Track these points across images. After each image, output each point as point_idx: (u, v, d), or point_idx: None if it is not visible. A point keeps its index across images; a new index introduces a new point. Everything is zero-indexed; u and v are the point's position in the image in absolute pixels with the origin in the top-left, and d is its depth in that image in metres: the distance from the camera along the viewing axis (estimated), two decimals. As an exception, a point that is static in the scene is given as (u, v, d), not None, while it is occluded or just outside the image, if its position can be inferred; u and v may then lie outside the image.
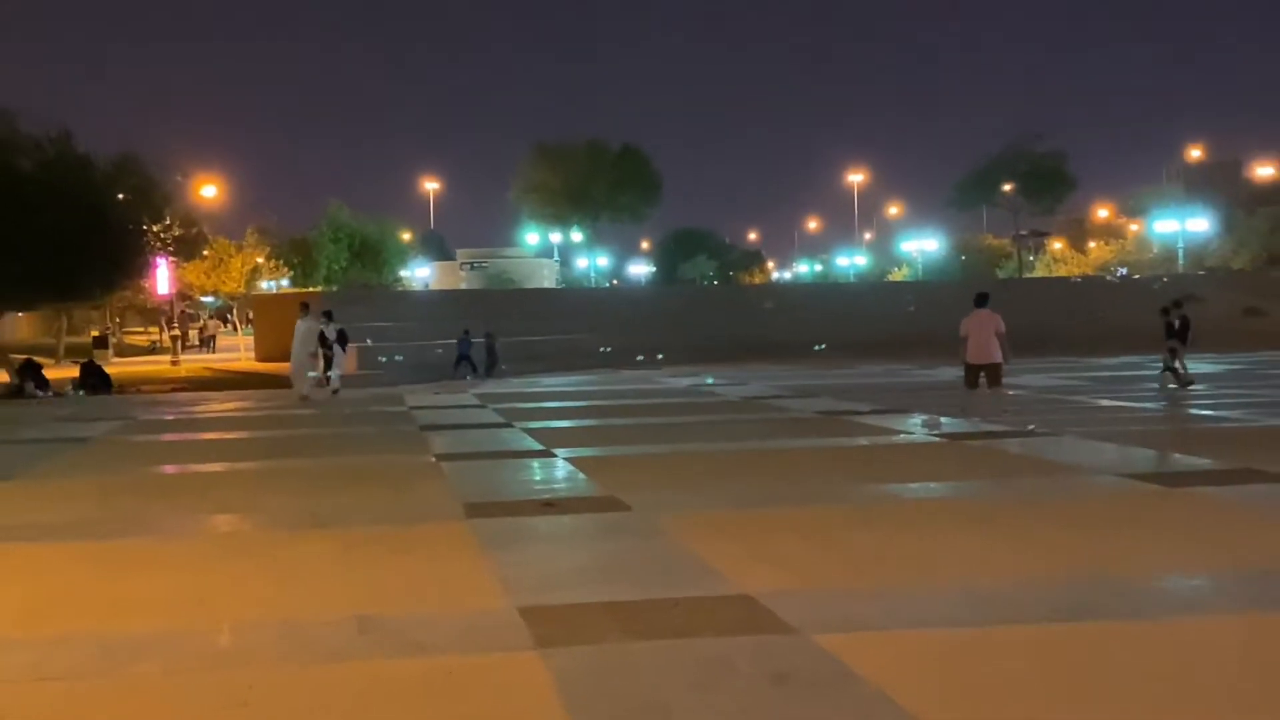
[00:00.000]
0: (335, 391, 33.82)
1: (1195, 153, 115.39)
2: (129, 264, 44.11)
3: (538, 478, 16.88)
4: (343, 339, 35.36)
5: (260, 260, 70.98)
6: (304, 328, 33.54)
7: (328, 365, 34.42)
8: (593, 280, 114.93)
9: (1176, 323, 29.57)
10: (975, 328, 22.72)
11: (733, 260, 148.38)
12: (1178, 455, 16.80)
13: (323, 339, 33.90)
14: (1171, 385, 28.41)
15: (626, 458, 18.56)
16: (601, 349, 44.16)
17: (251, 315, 68.00)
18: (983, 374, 22.80)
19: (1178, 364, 29.07)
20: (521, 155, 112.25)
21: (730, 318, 57.30)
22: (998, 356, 22.47)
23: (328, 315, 35.51)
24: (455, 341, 44.34)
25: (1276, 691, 6.96)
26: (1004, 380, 23.27)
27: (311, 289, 70.67)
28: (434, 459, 18.75)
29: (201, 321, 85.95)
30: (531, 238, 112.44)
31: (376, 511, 13.83)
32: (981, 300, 23.53)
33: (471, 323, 46.95)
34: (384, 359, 44.90)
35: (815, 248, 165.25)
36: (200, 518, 14.16)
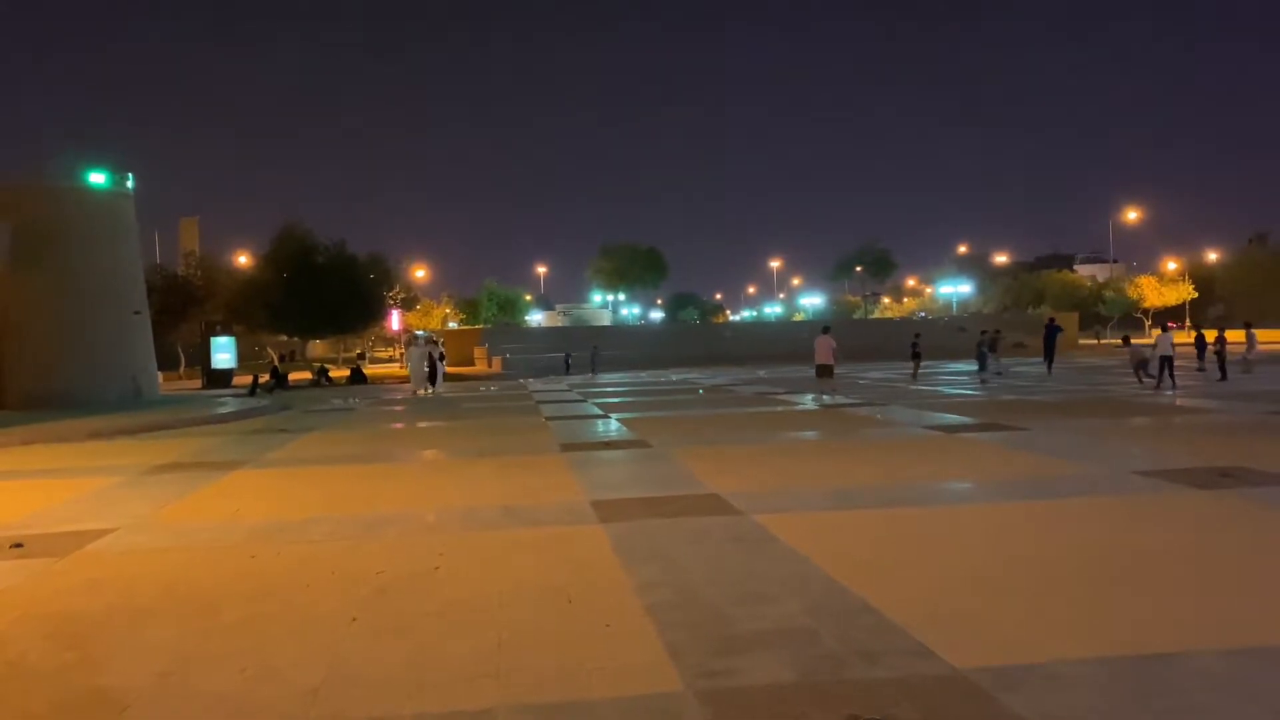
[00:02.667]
0: (438, 391, 29.43)
1: (962, 248, 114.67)
2: (375, 312, 44.60)
3: (599, 429, 16.86)
4: (442, 357, 31.73)
5: (448, 310, 71.44)
6: (418, 351, 30.03)
7: (433, 374, 29.94)
8: (629, 320, 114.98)
9: (988, 344, 28.94)
10: (820, 345, 22.55)
11: (707, 309, 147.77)
12: (953, 416, 16.72)
13: (430, 359, 30.01)
14: (983, 378, 27.56)
15: (649, 418, 18.53)
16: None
17: (443, 341, 68.37)
18: (822, 371, 22.63)
19: (988, 366, 28.38)
20: (592, 248, 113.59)
21: (706, 341, 57.13)
22: (830, 361, 22.28)
23: (432, 342, 32.29)
24: (563, 355, 44.00)
25: (1004, 544, 6.97)
26: (835, 375, 22.97)
27: (477, 326, 70.94)
28: (545, 419, 18.80)
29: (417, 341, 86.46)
30: (596, 297, 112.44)
31: (514, 448, 13.88)
32: (825, 329, 23.39)
33: (583, 345, 47.47)
34: (509, 356, 44.91)
35: (753, 302, 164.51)
36: (416, 451, 14.28)
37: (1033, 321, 54.88)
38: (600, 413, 19.94)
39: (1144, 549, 6.70)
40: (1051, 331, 30.50)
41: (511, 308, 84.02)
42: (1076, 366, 33.71)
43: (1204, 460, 10.51)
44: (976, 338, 28.68)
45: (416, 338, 32.72)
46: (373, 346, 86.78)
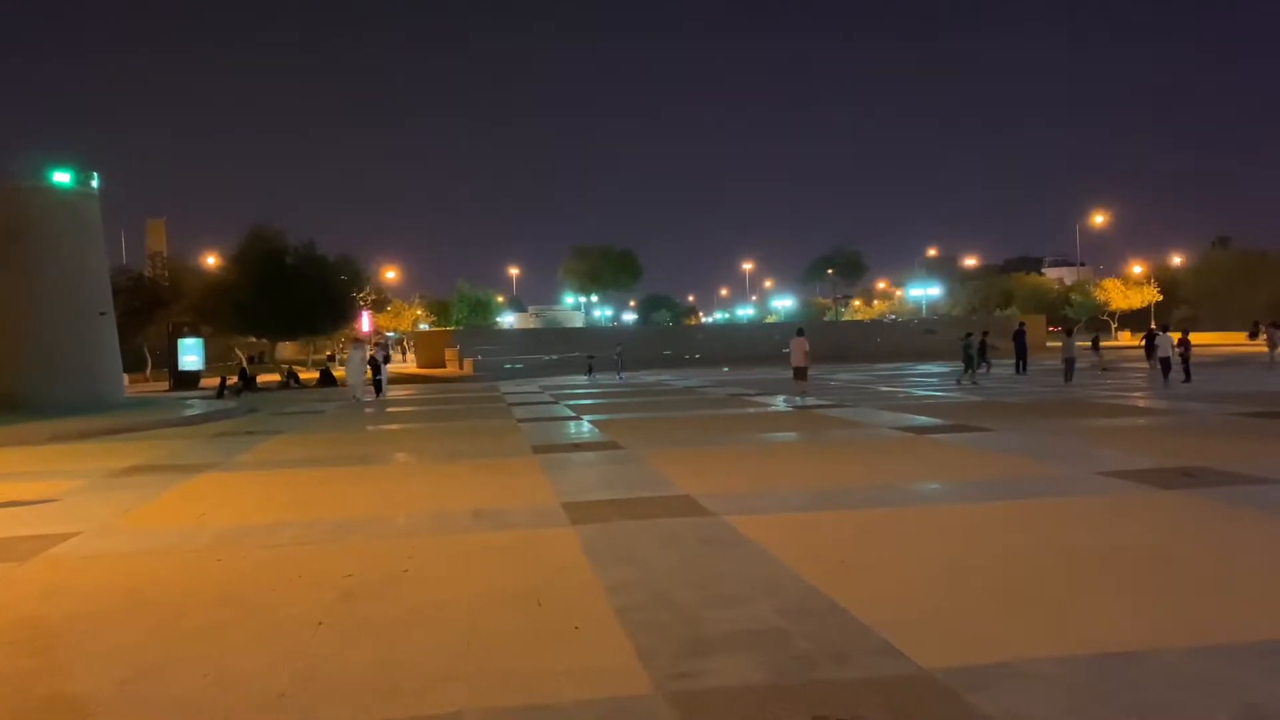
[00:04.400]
0: (384, 396, 28.45)
1: (932, 251, 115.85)
2: (345, 314, 44.25)
3: (572, 431, 16.85)
4: (387, 359, 30.55)
5: (419, 312, 71.06)
6: (357, 354, 28.67)
7: (376, 380, 28.67)
8: (601, 322, 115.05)
9: (976, 345, 28.67)
10: (794, 347, 22.65)
11: (680, 311, 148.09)
12: (922, 418, 16.85)
13: (374, 362, 28.70)
14: (967, 379, 27.24)
15: (621, 420, 18.52)
16: (614, 352, 41.85)
17: (412, 343, 67.99)
18: (798, 373, 22.72)
19: (979, 367, 27.89)
20: (564, 250, 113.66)
21: (679, 343, 57.13)
22: (803, 363, 22.38)
23: (380, 346, 31.18)
24: (586, 356, 42.15)
25: (973, 544, 7.03)
26: (809, 377, 23.07)
27: (448, 328, 70.57)
28: (516, 421, 18.73)
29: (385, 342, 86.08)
30: (569, 299, 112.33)
31: (486, 450, 13.83)
32: (800, 331, 23.51)
33: (567, 347, 47.27)
34: (480, 358, 44.60)
35: (725, 304, 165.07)
36: (386, 454, 14.18)
37: (1000, 323, 55.49)
38: (572, 415, 19.90)
39: (1110, 548, 6.78)
40: (1021, 334, 31.31)
41: (484, 309, 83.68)
42: (1045, 368, 34.09)
43: (1168, 460, 10.66)
44: (960, 339, 28.41)
45: (359, 341, 31.10)
46: (343, 348, 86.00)
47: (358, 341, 31.18)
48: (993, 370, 27.22)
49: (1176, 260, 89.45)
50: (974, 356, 27.03)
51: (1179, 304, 77.64)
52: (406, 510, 9.16)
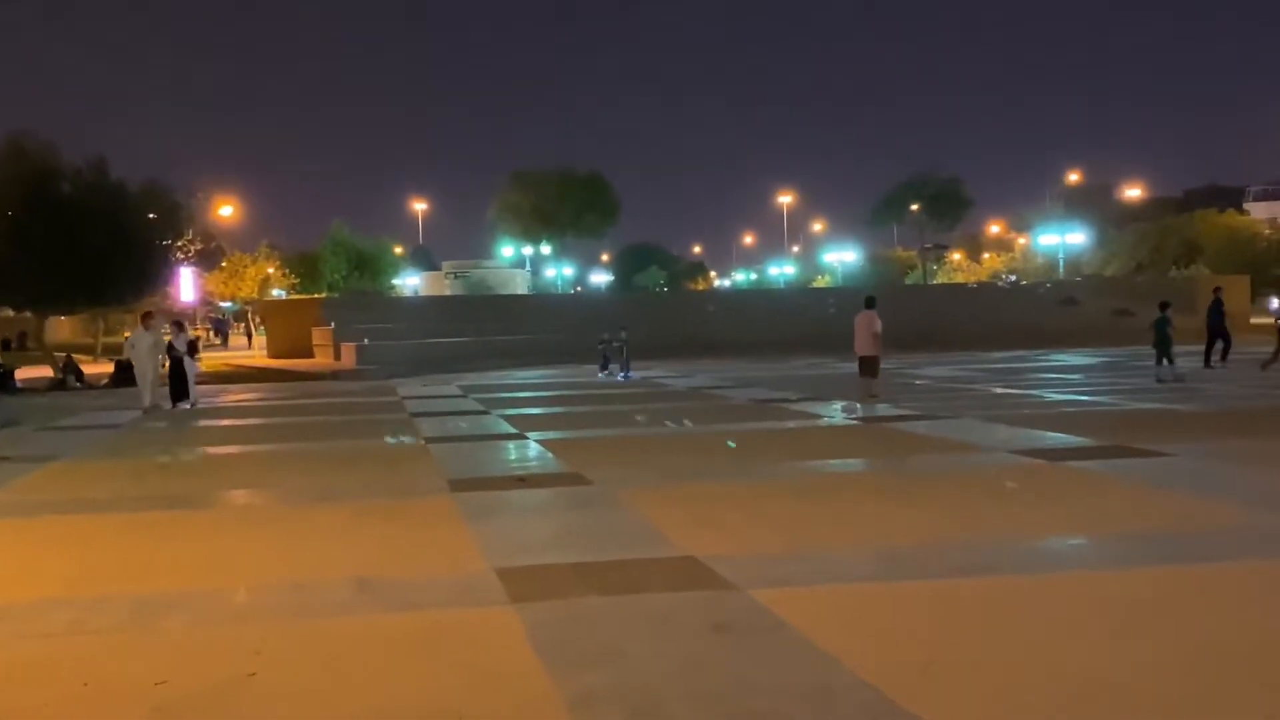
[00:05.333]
0: (193, 404, 28.01)
1: (1073, 177, 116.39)
2: (155, 274, 44.01)
3: (512, 457, 16.86)
4: (193, 349, 30.33)
5: (271, 271, 70.76)
6: (150, 339, 27.87)
7: (177, 379, 28.01)
8: (559, 287, 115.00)
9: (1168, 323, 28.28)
10: (860, 326, 22.78)
11: (680, 270, 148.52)
12: (1059, 435, 16.93)
13: (173, 354, 28.19)
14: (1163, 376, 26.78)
15: (588, 440, 18.55)
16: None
17: (260, 318, 67.58)
18: (865, 366, 22.82)
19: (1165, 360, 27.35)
20: (499, 178, 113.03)
21: (678, 319, 57.12)
22: (874, 351, 22.48)
23: (177, 325, 31.24)
24: (599, 342, 40.98)
25: (1136, 633, 7.06)
26: (881, 372, 23.21)
27: (316, 295, 70.32)
28: (423, 441, 18.72)
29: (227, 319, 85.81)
30: (506, 250, 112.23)
31: (373, 487, 13.80)
32: (869, 302, 23.61)
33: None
34: (367, 343, 44.43)
35: (751, 259, 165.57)
36: (221, 493, 14.15)
37: (1178, 289, 55.80)
38: (512, 431, 19.92)
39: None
40: (1218, 307, 31.50)
41: (372, 266, 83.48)
42: (1252, 357, 34.31)
43: None
44: (1154, 314, 27.59)
45: (149, 319, 29.19)
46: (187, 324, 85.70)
47: (147, 319, 29.52)
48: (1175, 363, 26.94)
49: None
50: (1170, 338, 26.66)
51: None
52: (251, 580, 9.11)
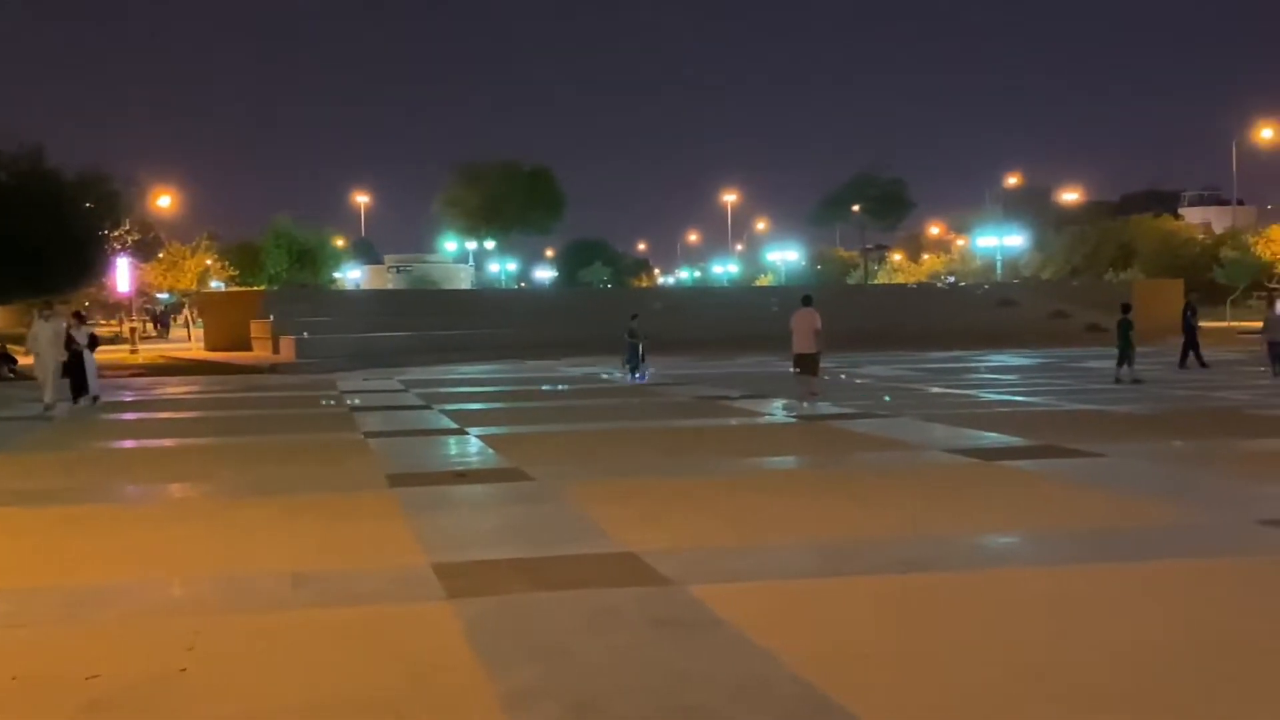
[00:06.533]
0: (96, 399, 26.80)
1: (1012, 180, 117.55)
2: (92, 264, 43.51)
3: (453, 452, 16.82)
4: (94, 343, 28.76)
5: (210, 262, 70.01)
6: (50, 331, 26.21)
7: (78, 373, 26.79)
8: (502, 282, 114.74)
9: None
10: (798, 324, 22.79)
11: (624, 267, 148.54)
12: (995, 435, 17.10)
13: (72, 347, 26.67)
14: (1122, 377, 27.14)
15: (530, 435, 18.54)
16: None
17: (198, 311, 66.88)
18: (803, 363, 22.86)
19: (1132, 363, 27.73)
20: (444, 171, 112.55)
21: (623, 316, 57.25)
22: (813, 348, 22.54)
23: (78, 316, 30.09)
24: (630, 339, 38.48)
25: (1068, 628, 7.14)
26: (821, 371, 23.25)
27: (256, 287, 69.70)
28: (362, 436, 18.62)
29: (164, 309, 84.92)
30: (450, 245, 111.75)
31: (311, 481, 13.72)
32: (806, 300, 23.66)
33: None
34: (308, 336, 44.05)
35: (695, 257, 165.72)
36: (156, 486, 14.02)
37: (1112, 292, 56.48)
38: (453, 426, 19.85)
39: (1276, 638, 6.96)
40: (1188, 317, 32.51)
41: (314, 259, 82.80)
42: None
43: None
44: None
45: (47, 310, 27.84)
46: (86, 316, 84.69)
47: (46, 311, 28.20)
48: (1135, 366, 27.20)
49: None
50: (1132, 341, 27.01)
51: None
52: (185, 574, 9.05)
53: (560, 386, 29.71)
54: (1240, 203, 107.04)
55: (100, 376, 27.83)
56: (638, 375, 31.13)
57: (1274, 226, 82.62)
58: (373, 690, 6.26)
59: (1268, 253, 78.34)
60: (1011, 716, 5.79)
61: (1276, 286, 77.50)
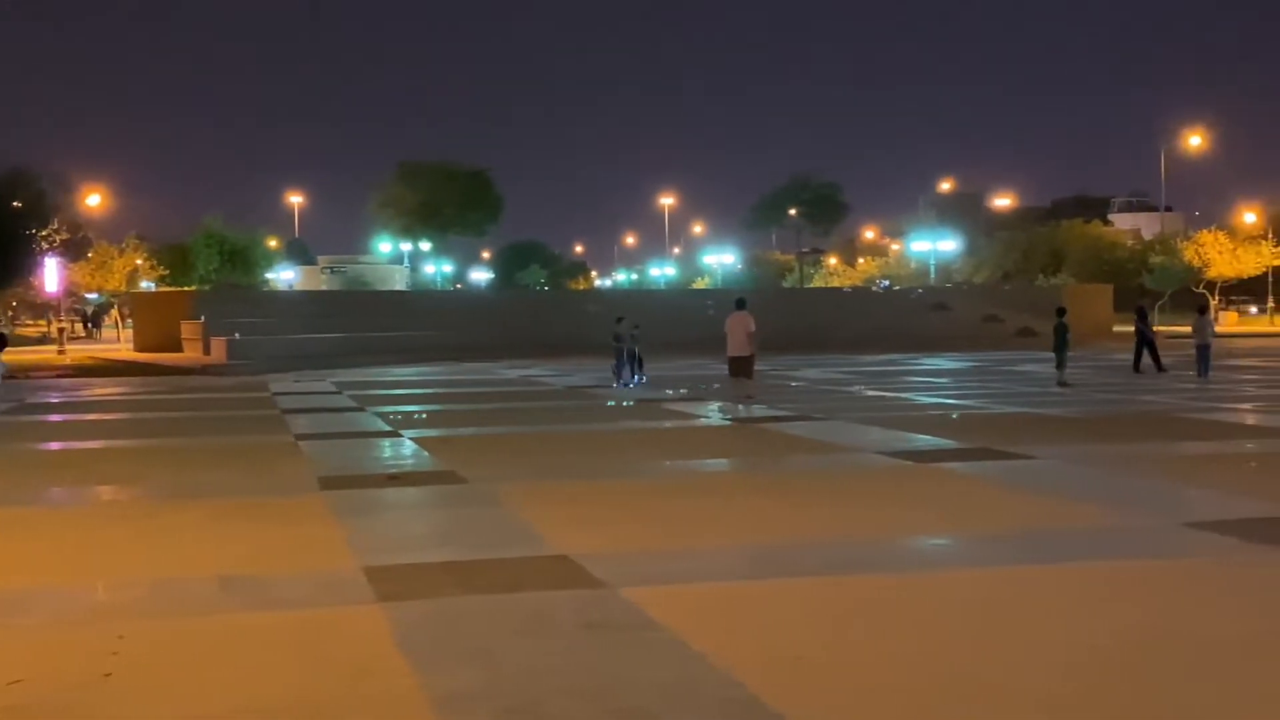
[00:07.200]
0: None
1: (945, 185, 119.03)
2: (19, 264, 42.84)
3: (386, 455, 16.72)
4: (2, 342, 28.06)
5: (139, 262, 69.16)
6: None
7: None
8: (438, 284, 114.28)
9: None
10: (732, 327, 22.88)
11: (561, 269, 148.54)
12: (928, 437, 17.25)
13: None
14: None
15: (465, 438, 18.48)
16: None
17: (128, 311, 66.08)
18: (737, 366, 22.95)
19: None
20: (381, 174, 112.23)
21: (559, 319, 57.17)
22: (747, 351, 22.63)
23: None
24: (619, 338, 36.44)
25: (997, 630, 7.22)
26: (756, 374, 23.34)
27: (187, 288, 68.91)
28: (293, 439, 18.47)
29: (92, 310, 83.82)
30: (385, 246, 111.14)
31: (241, 484, 13.62)
32: (740, 303, 23.75)
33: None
34: (239, 337, 43.62)
35: (632, 259, 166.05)
36: (83, 489, 13.83)
37: (1044, 296, 57.25)
38: (386, 428, 19.75)
39: (1208, 639, 7.07)
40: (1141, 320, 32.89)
41: (245, 260, 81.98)
42: (1109, 364, 35.32)
43: (1285, 504, 11.19)
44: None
45: None
46: (13, 319, 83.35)
47: None
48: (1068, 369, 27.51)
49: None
50: (1068, 343, 27.27)
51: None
52: (111, 578, 8.97)
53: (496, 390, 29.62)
54: (1169, 209, 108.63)
55: (20, 377, 27.29)
56: (636, 379, 29.64)
57: (1202, 232, 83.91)
58: (302, 695, 6.21)
59: (1196, 258, 79.55)
60: (941, 718, 5.84)
61: (1203, 292, 78.93)
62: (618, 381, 29.41)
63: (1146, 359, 31.34)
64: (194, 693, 6.29)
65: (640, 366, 30.02)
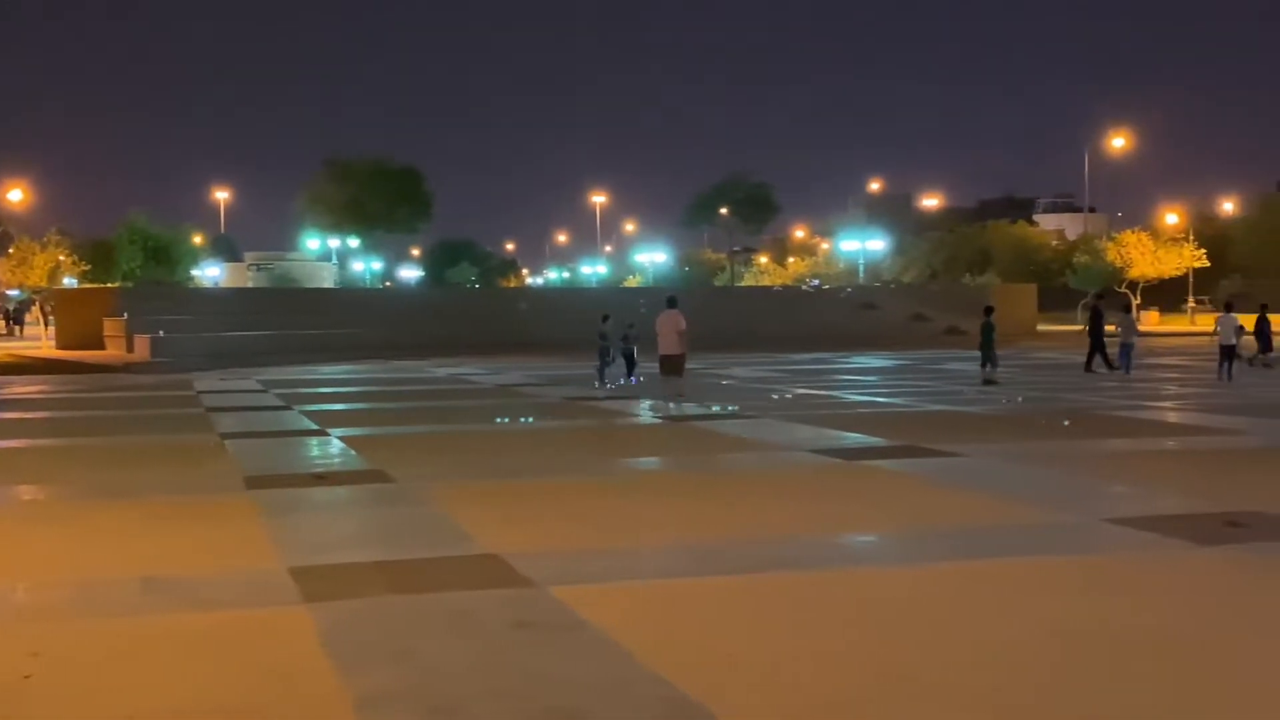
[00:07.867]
0: None
1: (874, 186, 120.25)
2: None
3: (313, 454, 16.59)
4: None
5: (62, 258, 68.14)
6: None
7: None
8: (367, 282, 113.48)
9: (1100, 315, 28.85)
10: (663, 326, 22.90)
11: (492, 267, 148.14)
12: (857, 435, 17.37)
13: None
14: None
15: (394, 437, 18.39)
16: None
17: (51, 308, 65.12)
18: (668, 365, 22.97)
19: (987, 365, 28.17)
20: (308, 171, 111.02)
21: (490, 316, 56.98)
22: (678, 350, 22.68)
23: None
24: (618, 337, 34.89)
25: (923, 625, 7.29)
26: (687, 372, 23.40)
27: (110, 285, 67.97)
28: (219, 437, 18.26)
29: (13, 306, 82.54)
30: (312, 243, 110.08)
31: (165, 484, 13.44)
32: (671, 302, 23.79)
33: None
34: (163, 335, 43.11)
35: (564, 257, 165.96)
36: (2, 489, 13.57)
37: (970, 296, 57.90)
38: (314, 427, 19.58)
39: (1126, 633, 7.18)
40: (1098, 314, 33.08)
41: (169, 256, 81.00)
42: (1033, 363, 35.80)
43: (1205, 502, 11.40)
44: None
45: None
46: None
47: None
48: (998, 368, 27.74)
49: (1228, 208, 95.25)
50: (994, 341, 27.51)
51: (1228, 271, 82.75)
52: (31, 579, 8.86)
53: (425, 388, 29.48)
54: (1093, 210, 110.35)
55: None
56: (631, 379, 28.70)
57: (1125, 232, 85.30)
58: (225, 696, 6.15)
59: (1118, 259, 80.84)
60: (871, 716, 5.89)
61: (1125, 292, 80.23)
62: (600, 382, 28.31)
63: (1115, 355, 31.31)
64: (116, 694, 6.21)
65: (634, 367, 29.18)
